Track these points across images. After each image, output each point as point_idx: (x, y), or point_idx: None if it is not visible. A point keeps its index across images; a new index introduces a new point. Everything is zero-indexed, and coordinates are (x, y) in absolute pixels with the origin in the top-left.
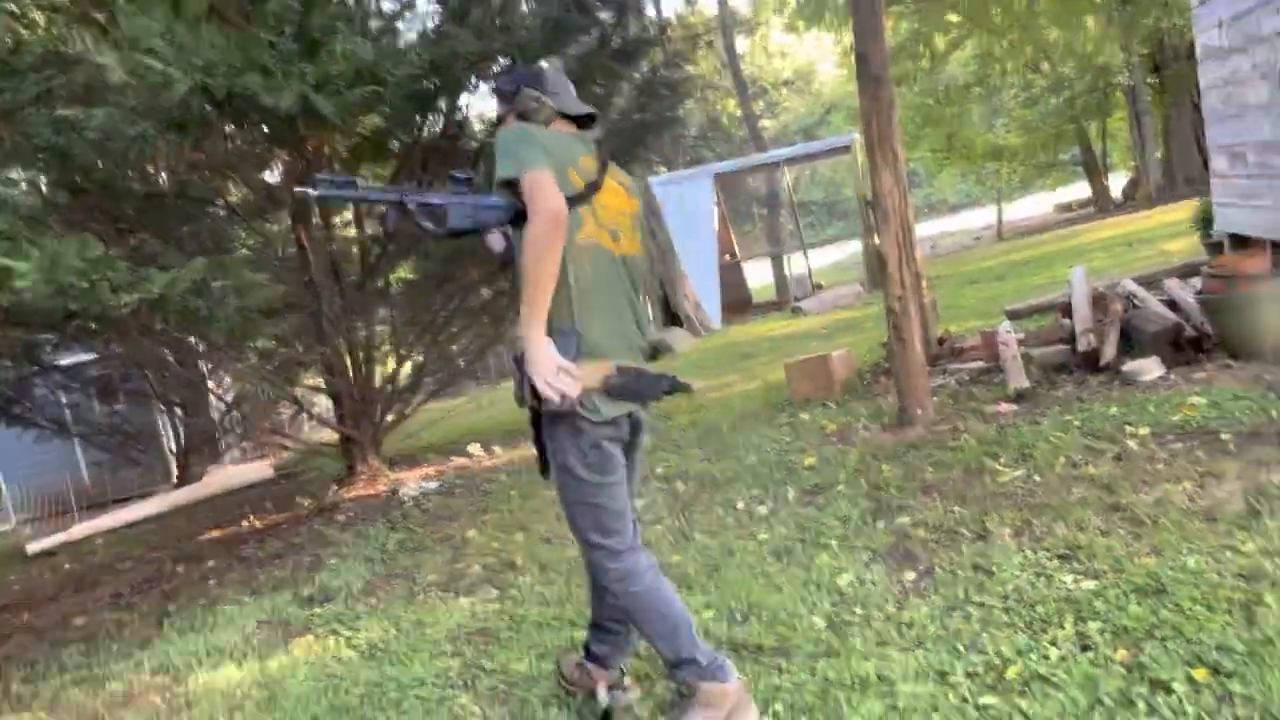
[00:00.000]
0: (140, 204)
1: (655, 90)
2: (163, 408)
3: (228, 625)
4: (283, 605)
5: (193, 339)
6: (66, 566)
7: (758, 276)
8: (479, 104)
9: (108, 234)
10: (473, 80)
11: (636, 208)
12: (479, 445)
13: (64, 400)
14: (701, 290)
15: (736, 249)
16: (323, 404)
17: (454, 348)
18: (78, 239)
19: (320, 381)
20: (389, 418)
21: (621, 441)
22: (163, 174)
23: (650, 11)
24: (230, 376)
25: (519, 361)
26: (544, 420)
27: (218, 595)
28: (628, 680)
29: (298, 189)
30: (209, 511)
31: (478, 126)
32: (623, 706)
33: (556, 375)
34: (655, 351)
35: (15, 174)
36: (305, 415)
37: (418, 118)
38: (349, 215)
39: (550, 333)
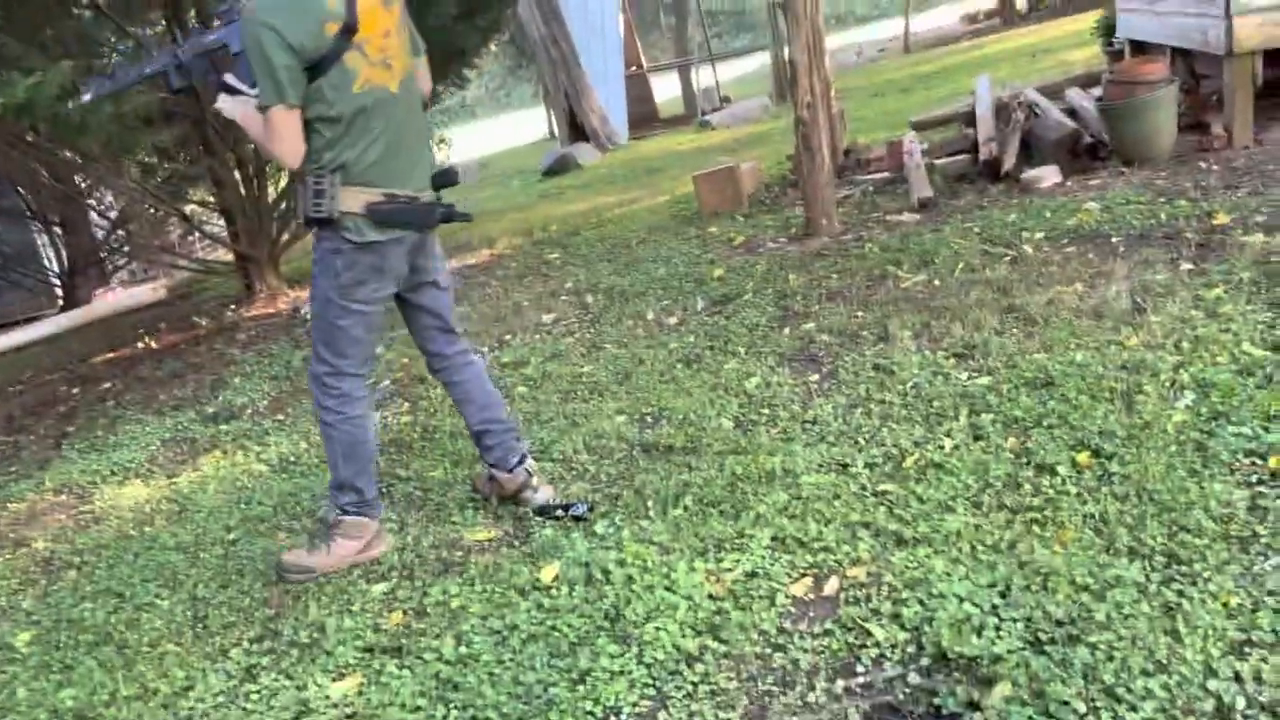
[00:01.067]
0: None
1: None
2: (40, 226)
3: (130, 444)
4: (187, 423)
5: (67, 151)
6: None
7: (664, 90)
8: None
9: None
10: None
11: (397, 16)
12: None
13: None
14: (607, 103)
15: (643, 60)
16: (215, 222)
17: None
18: None
19: (210, 198)
20: (285, 235)
21: (395, 275)
22: None
23: None
24: (112, 193)
25: (302, 179)
26: (313, 234)
27: (117, 415)
28: (535, 480)
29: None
30: (101, 334)
31: None
32: (539, 504)
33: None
34: (443, 180)
35: None
36: (197, 234)
37: None
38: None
39: (313, 164)
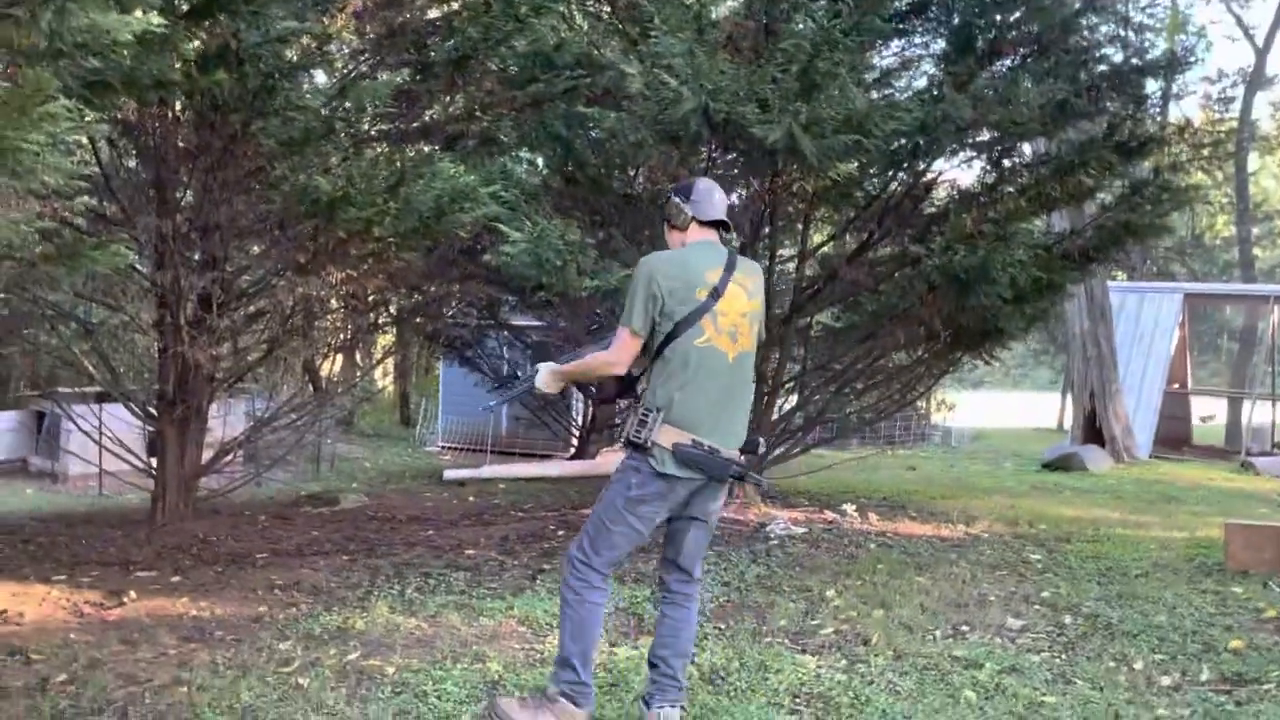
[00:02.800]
0: (617, 202)
1: (1150, 193)
2: (577, 390)
3: None
4: (641, 600)
5: None
6: (471, 499)
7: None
8: (953, 171)
9: (584, 224)
10: (954, 147)
11: (757, 306)
12: (854, 506)
13: (505, 356)
14: (1136, 413)
15: (1189, 379)
16: None
17: (855, 403)
18: (564, 222)
19: None
20: (775, 452)
21: (673, 504)
22: (640, 180)
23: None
24: None
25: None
26: (626, 452)
27: None
28: None
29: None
30: (595, 489)
31: (942, 194)
32: None
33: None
34: (748, 448)
35: (524, 154)
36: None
37: (890, 173)
38: (794, 250)
39: (639, 405)
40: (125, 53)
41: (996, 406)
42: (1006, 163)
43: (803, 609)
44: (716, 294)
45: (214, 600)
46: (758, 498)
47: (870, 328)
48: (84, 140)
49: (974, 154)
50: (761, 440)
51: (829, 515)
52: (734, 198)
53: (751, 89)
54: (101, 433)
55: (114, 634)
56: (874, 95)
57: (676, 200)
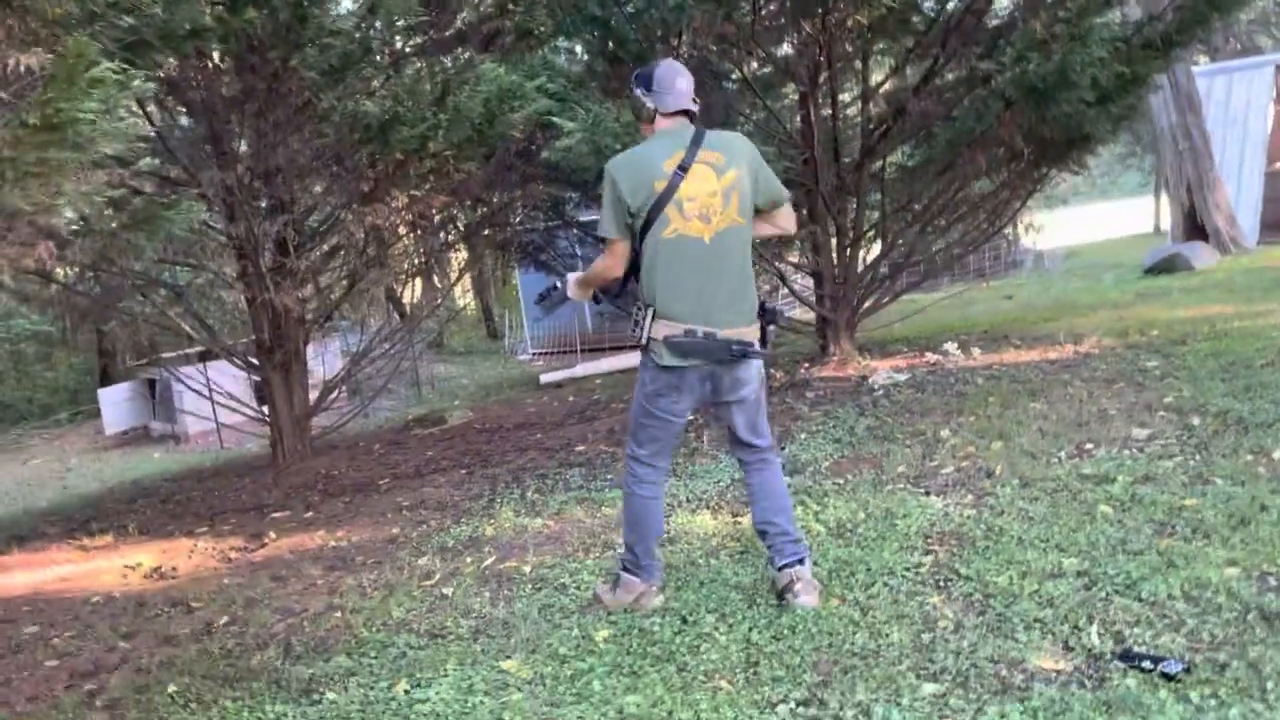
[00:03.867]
0: None
1: None
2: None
3: (704, 476)
4: None
5: None
6: (570, 398)
7: None
8: None
9: None
10: None
11: (732, 179)
12: (955, 344)
13: (579, 253)
14: (1238, 200)
15: None
16: (804, 283)
17: (940, 241)
18: (616, 104)
19: (803, 259)
20: (866, 303)
21: (692, 392)
22: (684, 47)
23: None
24: None
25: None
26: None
27: (695, 448)
28: (799, 586)
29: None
30: None
31: (1005, 2)
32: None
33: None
34: (769, 315)
35: (562, 43)
36: (786, 291)
37: None
38: (857, 92)
39: (637, 303)
40: (156, 5)
41: (1087, 220)
42: None
43: (919, 453)
44: (674, 183)
45: (348, 529)
46: (855, 352)
47: (947, 159)
48: (134, 105)
49: None
50: (778, 308)
51: (930, 357)
52: (786, 46)
53: None
54: (211, 389)
55: (263, 573)
56: None
57: (638, 93)
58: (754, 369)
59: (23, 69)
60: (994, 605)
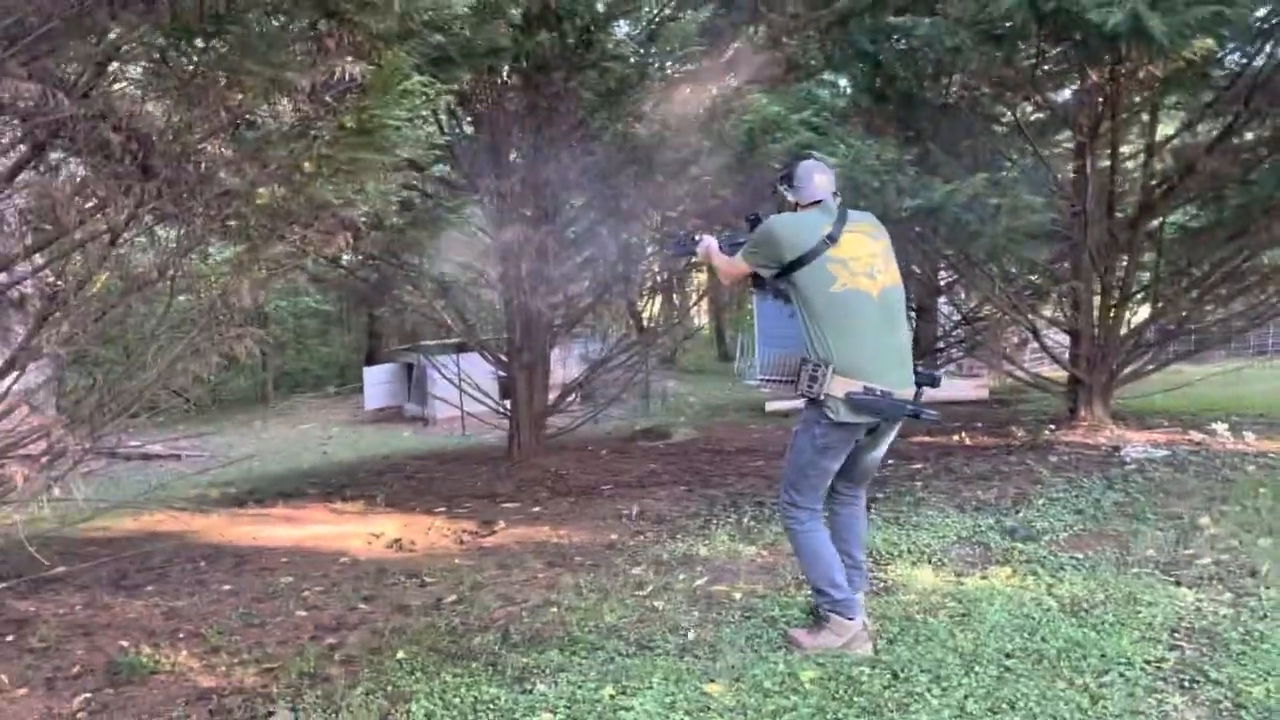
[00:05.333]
0: (932, 115)
1: None
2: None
3: (929, 529)
4: (984, 528)
5: (950, 250)
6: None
7: None
8: None
9: (899, 141)
10: None
11: (884, 245)
12: (1225, 425)
13: None
14: None
15: None
16: (1055, 339)
17: (1219, 311)
18: (880, 141)
19: (1059, 315)
20: (1126, 369)
21: (855, 442)
22: (953, 87)
23: None
24: (970, 291)
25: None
26: (804, 403)
27: (923, 498)
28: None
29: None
30: None
31: None
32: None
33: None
34: (930, 380)
35: (827, 76)
36: (1035, 346)
37: (1257, 45)
38: (1139, 145)
39: (805, 360)
40: (463, 25)
41: None
42: None
43: (1173, 538)
44: (821, 248)
45: (571, 528)
46: (1108, 419)
47: (1238, 224)
48: (427, 114)
49: None
50: (939, 374)
51: (1194, 435)
52: (1065, 93)
53: None
54: (461, 379)
55: (490, 559)
56: None
57: (781, 188)
58: (897, 428)
59: (347, 77)
60: (1245, 717)
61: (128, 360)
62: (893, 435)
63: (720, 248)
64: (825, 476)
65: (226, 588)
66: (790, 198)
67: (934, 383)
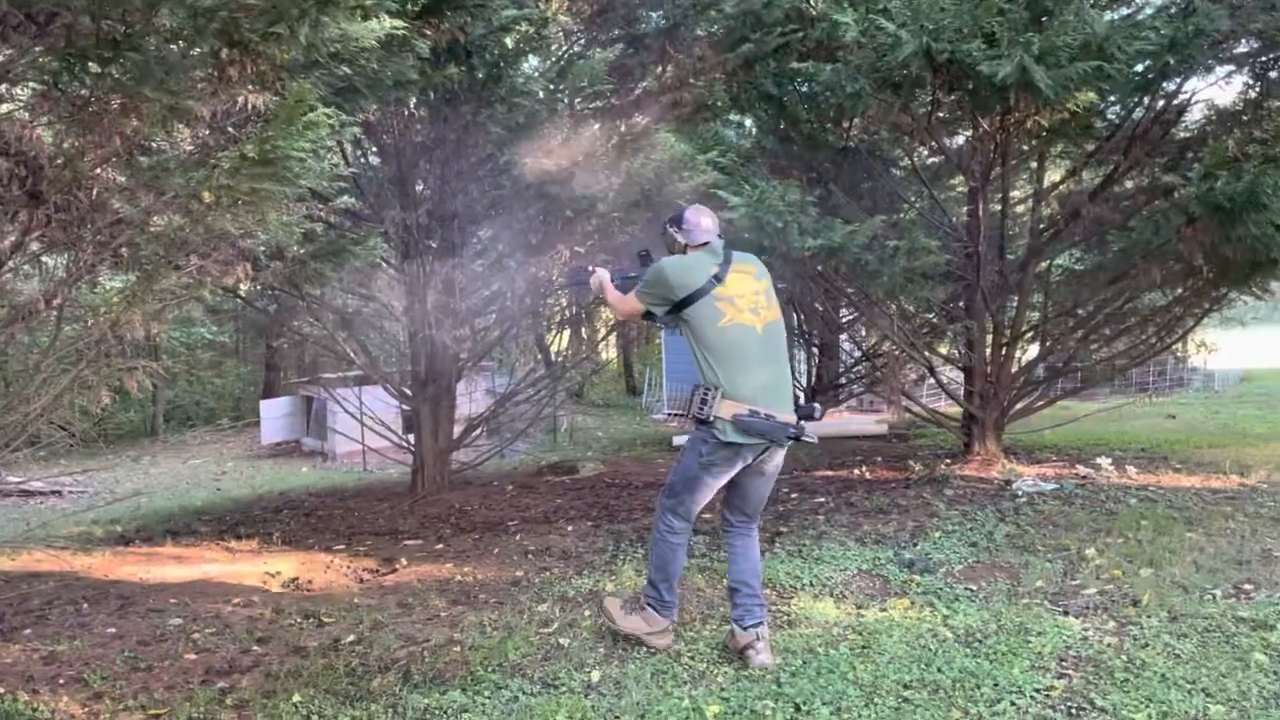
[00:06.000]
0: (834, 157)
1: None
2: (802, 344)
3: (831, 561)
4: (884, 561)
5: (851, 289)
6: None
7: None
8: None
9: (803, 182)
10: (1209, 63)
11: (766, 285)
12: (1109, 459)
13: None
14: None
15: None
16: (951, 376)
17: (1103, 350)
18: (784, 182)
19: (955, 352)
20: (1017, 405)
21: (741, 464)
22: (854, 131)
23: None
24: (870, 329)
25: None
26: (693, 424)
27: (825, 531)
28: (761, 644)
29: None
30: (824, 450)
31: (1196, 116)
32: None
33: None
34: (809, 414)
35: (733, 117)
36: (932, 382)
37: (1135, 98)
38: (1028, 190)
39: (697, 385)
40: (370, 57)
41: (1265, 345)
42: (1274, 74)
43: (1060, 569)
44: (709, 287)
45: (475, 565)
46: (1000, 454)
47: (1119, 268)
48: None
49: (1232, 68)
50: (818, 406)
51: (1081, 470)
52: (959, 139)
53: (976, 24)
54: (363, 413)
55: (391, 598)
56: (1112, 16)
57: (670, 230)
58: (784, 453)
59: (249, 107)
60: None
61: (9, 392)
62: (778, 461)
63: (614, 282)
64: (706, 492)
65: (111, 630)
66: (680, 239)
67: (812, 416)
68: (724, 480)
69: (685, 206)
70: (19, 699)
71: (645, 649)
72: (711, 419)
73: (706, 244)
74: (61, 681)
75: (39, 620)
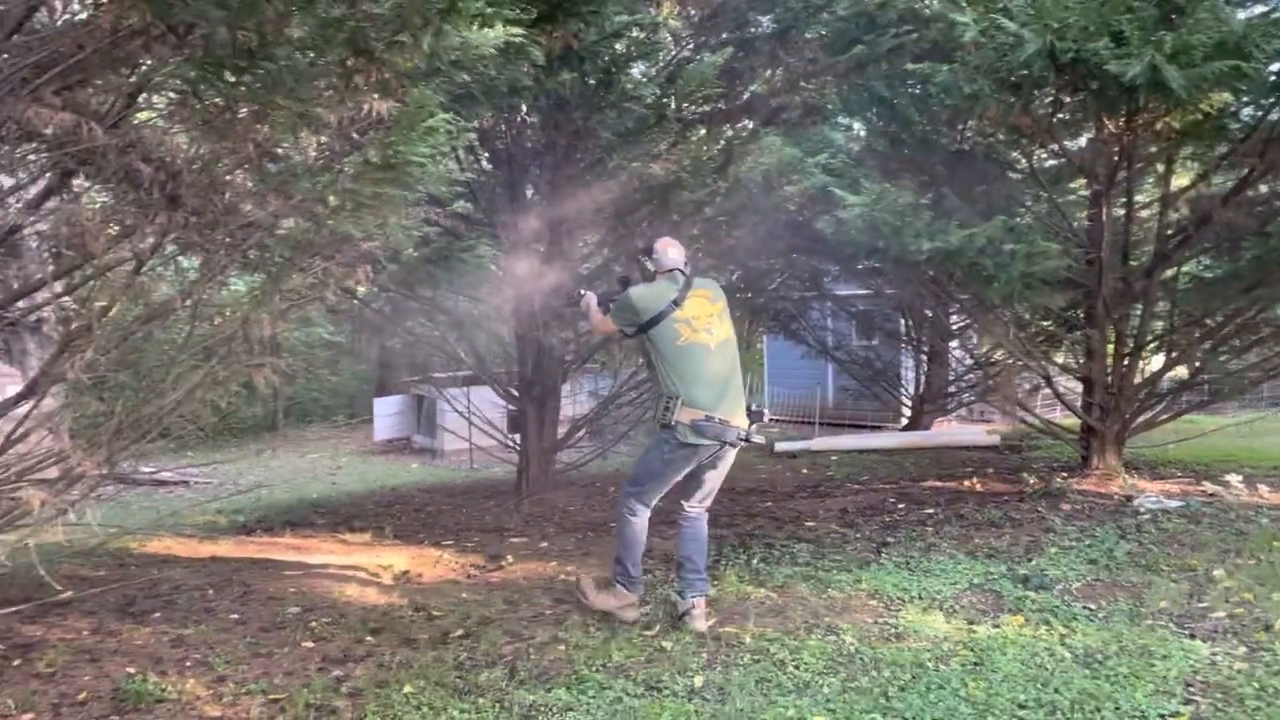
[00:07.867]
0: (947, 160)
1: None
2: (911, 351)
3: (941, 575)
4: (996, 576)
5: (964, 295)
6: (804, 470)
7: None
8: None
9: (914, 185)
10: None
11: (720, 307)
12: (1240, 476)
13: (830, 326)
14: None
15: None
16: (1068, 386)
17: (1234, 362)
18: (898, 185)
19: (1072, 362)
20: (1139, 418)
21: (699, 461)
22: (969, 133)
23: None
24: (983, 336)
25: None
26: (659, 427)
27: (934, 543)
28: (697, 613)
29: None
30: (932, 460)
31: None
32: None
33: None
34: (758, 415)
35: (842, 120)
36: (1047, 392)
37: (1273, 99)
38: (1155, 195)
39: (663, 396)
40: (488, 65)
41: None
42: None
43: (1186, 590)
44: (669, 310)
45: (578, 564)
46: (1120, 469)
47: (1253, 276)
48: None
49: None
50: (766, 411)
51: (1208, 487)
52: (1081, 141)
53: (1103, 22)
54: (471, 412)
55: (498, 594)
56: (1248, 13)
57: (643, 259)
58: (735, 452)
59: (374, 114)
60: None
61: (145, 386)
62: (730, 459)
63: (599, 304)
64: (665, 484)
65: (234, 616)
66: (650, 267)
67: (759, 416)
68: (681, 474)
69: (655, 239)
70: (149, 679)
71: (749, 654)
72: (673, 424)
73: (671, 271)
74: (188, 664)
75: (167, 605)
